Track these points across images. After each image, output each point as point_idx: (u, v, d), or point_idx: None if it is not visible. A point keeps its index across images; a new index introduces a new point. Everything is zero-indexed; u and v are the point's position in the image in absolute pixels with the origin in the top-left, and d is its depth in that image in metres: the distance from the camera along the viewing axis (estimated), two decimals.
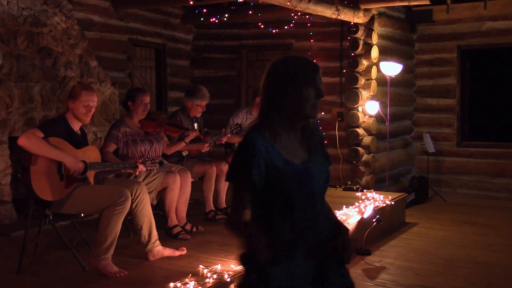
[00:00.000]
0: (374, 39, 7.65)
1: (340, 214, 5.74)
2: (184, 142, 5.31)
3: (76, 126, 4.02)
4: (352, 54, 7.72)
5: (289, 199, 2.05)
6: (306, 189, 2.07)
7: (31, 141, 3.67)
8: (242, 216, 2.09)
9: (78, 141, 4.01)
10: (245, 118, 6.39)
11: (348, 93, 7.77)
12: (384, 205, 6.47)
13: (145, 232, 4.13)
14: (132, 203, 4.01)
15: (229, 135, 5.86)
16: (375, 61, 7.69)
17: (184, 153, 5.62)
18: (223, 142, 5.82)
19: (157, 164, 4.39)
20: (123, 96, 7.37)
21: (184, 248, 4.31)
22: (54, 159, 3.76)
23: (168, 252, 4.23)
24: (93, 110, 4.00)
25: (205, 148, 5.57)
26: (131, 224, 4.38)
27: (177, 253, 4.25)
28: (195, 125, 5.77)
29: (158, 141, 4.95)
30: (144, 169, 4.31)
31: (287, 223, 2.06)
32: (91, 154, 4.05)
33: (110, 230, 3.82)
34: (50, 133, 3.78)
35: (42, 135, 3.73)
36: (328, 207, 2.24)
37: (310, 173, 2.09)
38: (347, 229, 2.22)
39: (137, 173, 4.31)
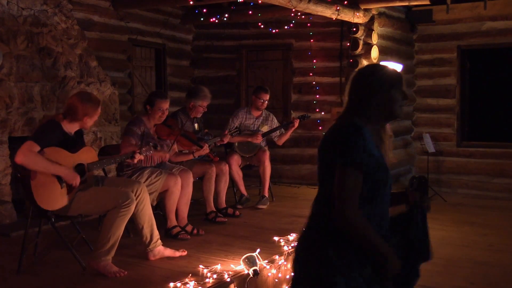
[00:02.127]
0: (374, 39, 7.65)
1: None
2: (193, 155, 5.30)
3: (70, 129, 3.98)
4: (352, 54, 7.72)
5: (378, 189, 2.18)
6: (388, 183, 2.24)
7: (28, 159, 3.67)
8: (357, 207, 2.11)
9: (74, 142, 3.99)
10: (245, 117, 6.40)
11: None
12: None
13: (146, 232, 4.13)
14: None
15: (229, 137, 5.88)
16: (375, 61, 7.68)
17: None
18: (224, 142, 5.85)
19: (152, 147, 4.38)
20: (123, 96, 7.42)
21: (185, 250, 4.30)
22: (52, 173, 3.77)
23: (168, 252, 4.23)
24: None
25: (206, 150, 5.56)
26: (131, 224, 4.38)
27: (178, 254, 4.25)
28: (195, 125, 5.77)
29: (169, 148, 4.96)
30: (142, 157, 4.31)
31: (372, 212, 2.18)
32: (88, 155, 4.04)
33: (113, 232, 3.83)
34: (45, 143, 3.76)
35: (38, 147, 3.71)
36: None
37: (389, 170, 2.25)
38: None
39: (135, 161, 4.29)
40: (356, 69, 2.36)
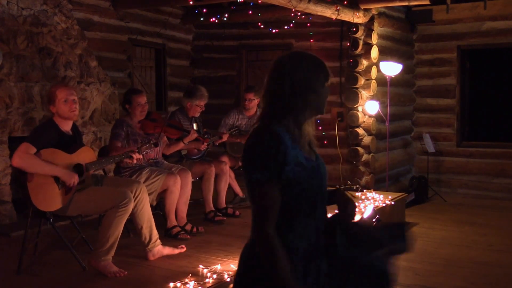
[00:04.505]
0: (374, 39, 7.65)
1: None
2: (183, 143, 5.32)
3: (66, 126, 3.98)
4: (352, 54, 7.72)
5: (314, 198, 1.93)
6: (323, 187, 1.98)
7: (25, 162, 3.68)
8: (274, 230, 1.84)
9: (71, 142, 3.99)
10: (237, 118, 6.41)
11: (348, 93, 7.77)
12: (384, 205, 6.47)
13: (145, 232, 4.13)
14: None
15: (228, 135, 5.91)
16: (375, 61, 7.68)
17: (183, 152, 5.64)
18: (224, 140, 5.90)
19: (152, 146, 4.43)
20: (123, 96, 7.41)
21: (184, 246, 4.30)
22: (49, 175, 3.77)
23: (167, 250, 4.23)
24: (76, 104, 3.94)
25: (203, 146, 5.57)
26: (131, 224, 4.38)
27: (177, 251, 4.26)
28: (194, 125, 5.77)
29: (159, 141, 4.96)
30: (140, 156, 4.33)
31: (311, 224, 1.94)
32: (86, 155, 4.04)
33: (112, 231, 3.83)
34: (42, 144, 3.77)
35: (34, 149, 3.72)
36: None
37: (322, 171, 2.00)
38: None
39: (134, 161, 4.31)
40: (273, 62, 2.00)
